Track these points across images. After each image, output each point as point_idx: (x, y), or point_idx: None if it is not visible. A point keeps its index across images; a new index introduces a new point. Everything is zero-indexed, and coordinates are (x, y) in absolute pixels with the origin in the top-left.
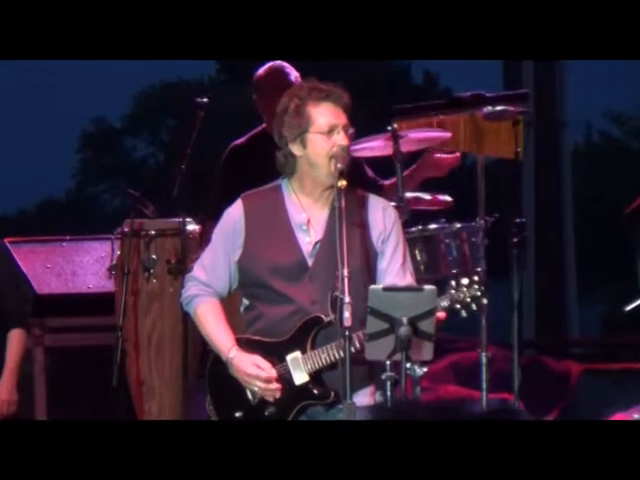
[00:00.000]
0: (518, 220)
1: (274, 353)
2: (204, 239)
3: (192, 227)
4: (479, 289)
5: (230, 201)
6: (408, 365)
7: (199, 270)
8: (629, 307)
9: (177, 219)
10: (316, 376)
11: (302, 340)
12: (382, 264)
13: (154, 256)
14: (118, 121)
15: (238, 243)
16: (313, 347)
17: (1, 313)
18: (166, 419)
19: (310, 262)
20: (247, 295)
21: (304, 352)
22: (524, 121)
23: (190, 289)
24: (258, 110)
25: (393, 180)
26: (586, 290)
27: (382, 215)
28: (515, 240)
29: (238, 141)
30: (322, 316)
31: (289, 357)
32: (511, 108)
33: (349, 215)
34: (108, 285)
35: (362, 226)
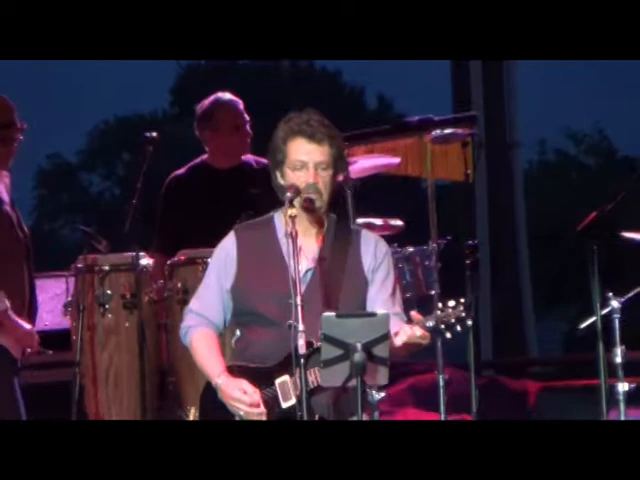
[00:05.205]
0: (471, 242)
1: (264, 378)
2: (156, 272)
3: (145, 261)
4: (464, 310)
5: (173, 232)
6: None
7: (195, 302)
8: (583, 325)
9: (130, 254)
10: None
11: (291, 364)
12: (371, 291)
13: (109, 291)
14: (74, 157)
15: (230, 272)
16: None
17: None
18: None
19: (302, 288)
20: (239, 324)
21: (292, 376)
22: (473, 143)
23: (186, 321)
24: (202, 141)
25: None
26: (545, 309)
27: (374, 248)
28: (468, 262)
29: (178, 172)
30: (312, 341)
31: (278, 381)
32: (459, 131)
33: (342, 246)
34: (64, 322)
35: (354, 257)
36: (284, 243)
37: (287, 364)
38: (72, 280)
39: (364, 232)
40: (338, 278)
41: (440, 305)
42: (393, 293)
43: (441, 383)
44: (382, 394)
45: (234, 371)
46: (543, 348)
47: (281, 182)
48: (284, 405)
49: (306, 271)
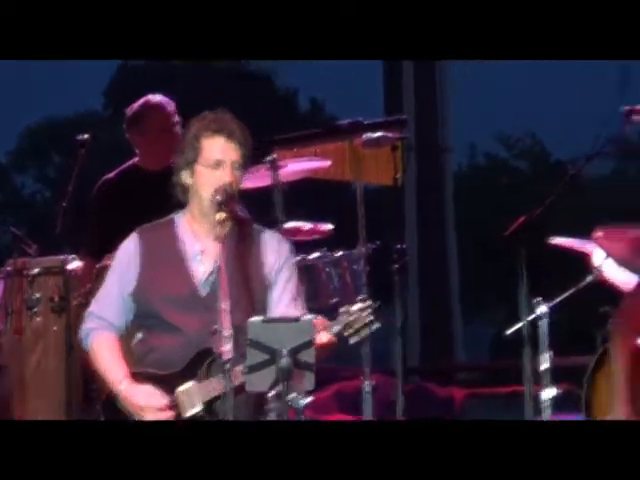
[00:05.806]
0: (399, 246)
1: (167, 385)
2: (85, 275)
3: (75, 264)
4: (371, 314)
5: (103, 236)
6: (290, 396)
7: (94, 304)
8: (509, 331)
9: (60, 257)
10: (208, 406)
11: (195, 371)
12: (274, 294)
13: (37, 294)
14: (4, 157)
15: (132, 275)
16: (207, 378)
17: None
18: None
19: (204, 292)
20: (141, 327)
21: (197, 383)
22: (403, 146)
23: (86, 323)
24: (132, 144)
25: None
26: (474, 313)
27: (277, 248)
28: (396, 266)
29: (108, 175)
30: (212, 347)
31: (181, 388)
32: (389, 134)
33: (244, 247)
34: None
35: (257, 258)
36: (186, 244)
37: (191, 370)
38: (1, 283)
39: (267, 232)
40: (241, 280)
41: (345, 309)
42: (297, 295)
43: (367, 389)
44: (308, 399)
45: (136, 378)
46: (470, 353)
47: (188, 182)
48: (188, 413)
49: (210, 273)
